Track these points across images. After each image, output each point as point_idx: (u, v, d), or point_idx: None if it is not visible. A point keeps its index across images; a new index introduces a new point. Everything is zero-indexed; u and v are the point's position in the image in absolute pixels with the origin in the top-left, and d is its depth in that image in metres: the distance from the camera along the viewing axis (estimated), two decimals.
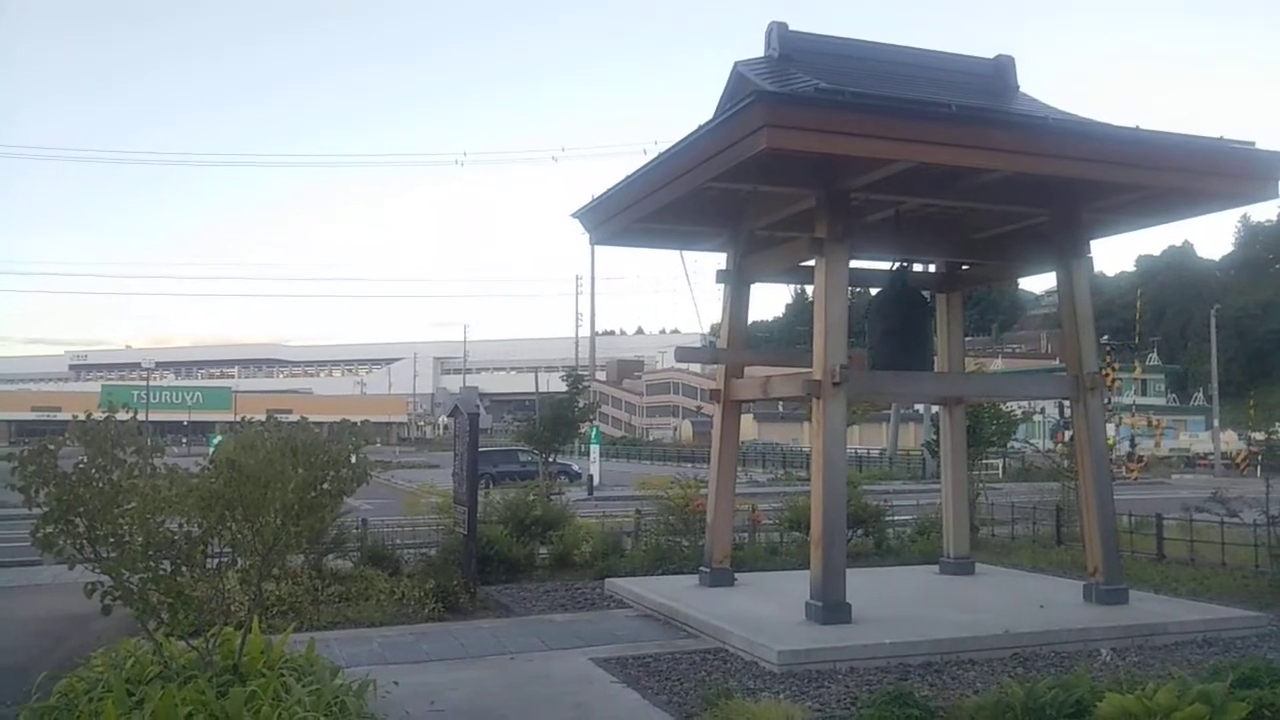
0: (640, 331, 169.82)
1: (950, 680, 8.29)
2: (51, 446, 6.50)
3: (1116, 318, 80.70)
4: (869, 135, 9.26)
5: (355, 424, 7.64)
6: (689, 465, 50.19)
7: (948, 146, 9.51)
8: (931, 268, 14.05)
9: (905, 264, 12.97)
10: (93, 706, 5.95)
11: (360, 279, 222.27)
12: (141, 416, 6.34)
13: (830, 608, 9.80)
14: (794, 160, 10.09)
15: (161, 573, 6.45)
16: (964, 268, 13.89)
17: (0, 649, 9.84)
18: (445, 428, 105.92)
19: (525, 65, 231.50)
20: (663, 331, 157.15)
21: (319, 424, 8.16)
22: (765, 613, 10.33)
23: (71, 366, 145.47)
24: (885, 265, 13.06)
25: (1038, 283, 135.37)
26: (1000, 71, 12.53)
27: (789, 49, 11.20)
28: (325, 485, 6.83)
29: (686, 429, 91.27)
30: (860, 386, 11.09)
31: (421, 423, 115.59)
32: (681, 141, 10.31)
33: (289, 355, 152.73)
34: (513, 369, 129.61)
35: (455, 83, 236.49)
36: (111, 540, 6.40)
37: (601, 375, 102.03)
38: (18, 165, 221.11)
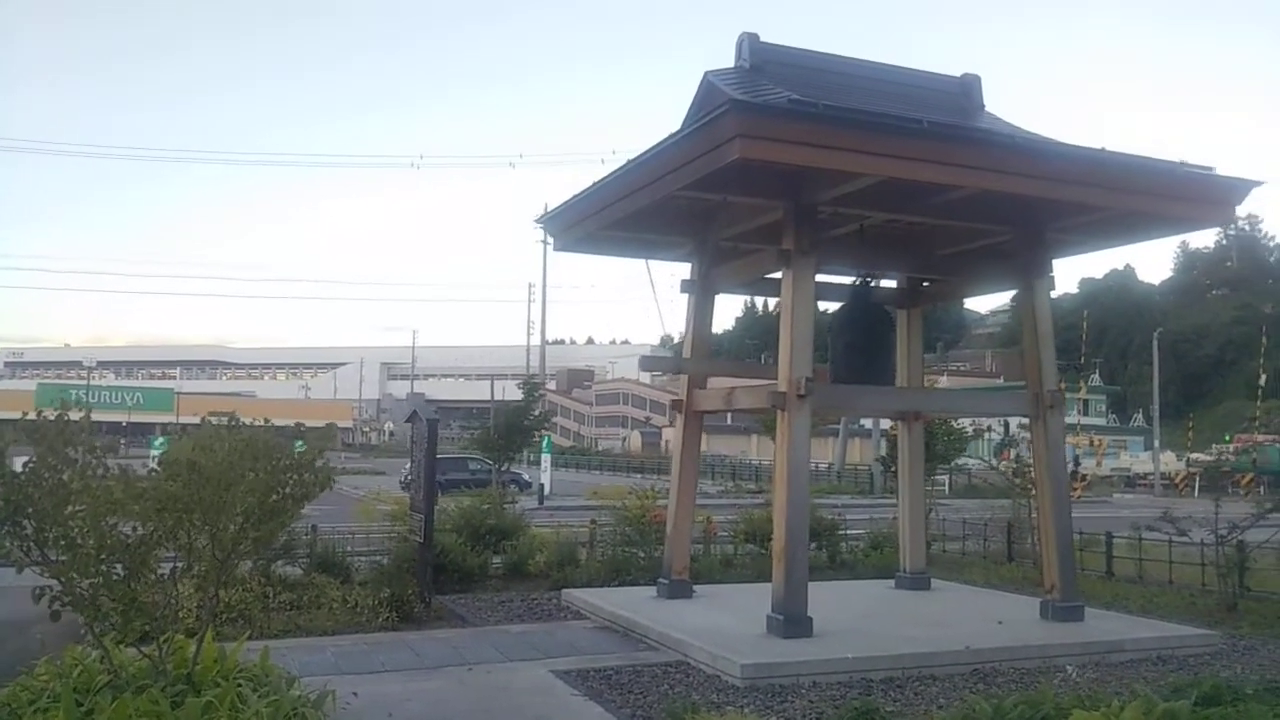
0: (591, 341, 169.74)
1: (913, 696, 8.27)
2: None
3: (1060, 338, 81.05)
4: (841, 148, 9.27)
5: (320, 428, 7.44)
6: (638, 476, 50.15)
7: (918, 162, 9.53)
8: (894, 283, 14.11)
9: (869, 279, 13.01)
10: (39, 717, 5.69)
11: (308, 280, 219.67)
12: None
13: (792, 621, 9.74)
14: (764, 171, 10.03)
15: (115, 577, 6.22)
16: (925, 284, 13.96)
17: None
18: (391, 434, 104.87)
19: (483, 70, 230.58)
20: (613, 342, 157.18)
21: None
22: (726, 625, 10.25)
23: (7, 364, 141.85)
24: (847, 280, 13.09)
25: (983, 302, 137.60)
26: (966, 89, 12.62)
27: (759, 60, 11.19)
28: (288, 489, 6.64)
29: (636, 439, 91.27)
30: (823, 399, 11.08)
31: (367, 429, 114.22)
32: (651, 149, 10.23)
33: (232, 357, 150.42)
34: (461, 376, 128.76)
35: (412, 85, 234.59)
36: (63, 543, 6.16)
37: (551, 384, 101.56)
38: None
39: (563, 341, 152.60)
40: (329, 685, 6.78)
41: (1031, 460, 20.75)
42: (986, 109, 12.55)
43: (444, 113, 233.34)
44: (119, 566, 6.28)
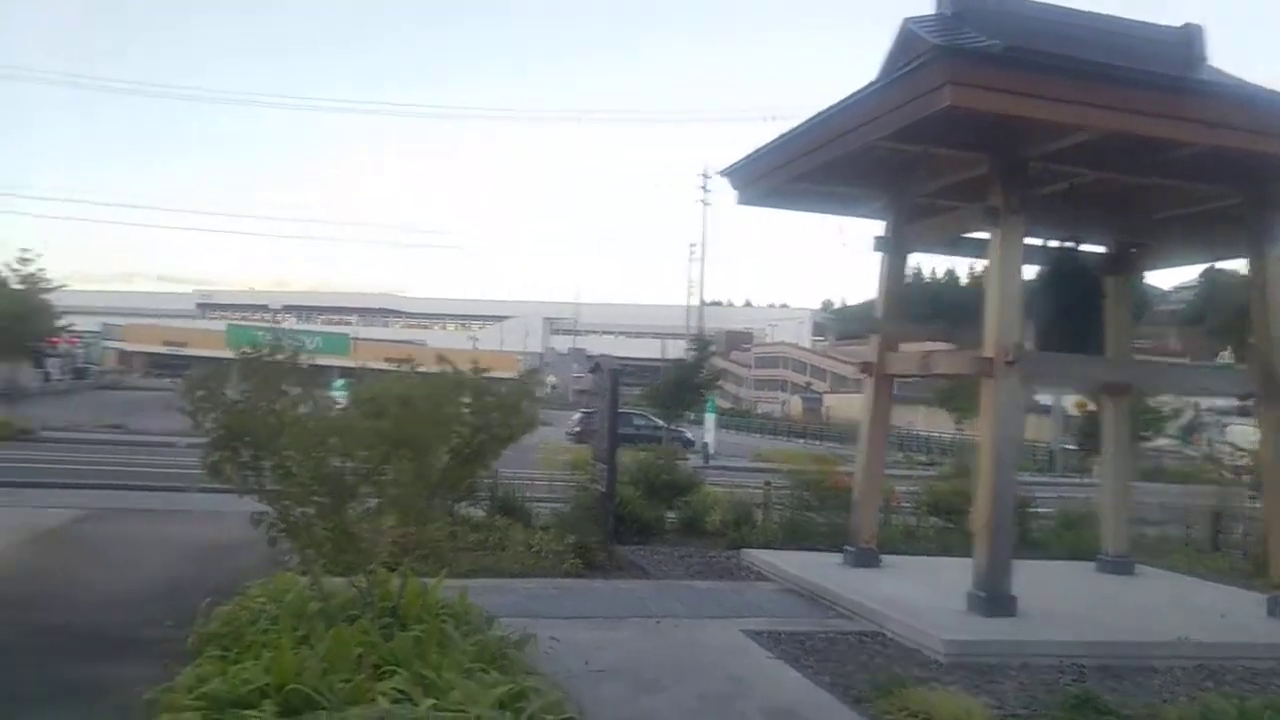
0: (749, 304, 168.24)
1: (1133, 687, 7.68)
2: (219, 374, 6.43)
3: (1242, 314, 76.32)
4: (1060, 100, 8.76)
5: (526, 374, 7.43)
6: (800, 441, 49.63)
7: (1146, 116, 8.97)
8: (1100, 247, 13.21)
9: (1075, 241, 12.22)
10: (261, 638, 5.85)
11: (472, 235, 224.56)
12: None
13: (995, 599, 9.27)
14: (972, 122, 9.47)
15: (327, 508, 6.34)
16: (1134, 250, 13.02)
17: (155, 572, 10.04)
18: (553, 386, 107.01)
19: (652, 24, 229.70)
20: (771, 305, 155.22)
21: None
22: (920, 598, 9.83)
23: (199, 305, 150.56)
24: (1037, 242, 12.29)
25: (1164, 277, 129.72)
26: (1187, 40, 11.56)
27: (961, 7, 10.49)
28: (494, 430, 6.62)
29: (796, 404, 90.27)
30: (1032, 368, 10.43)
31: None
32: (850, 98, 9.84)
33: (404, 306, 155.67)
34: (621, 333, 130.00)
35: (577, 37, 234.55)
36: (279, 472, 6.31)
37: (711, 346, 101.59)
38: (157, 104, 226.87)
39: (720, 303, 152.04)
40: (519, 627, 6.75)
41: (1227, 444, 19.42)
42: (1208, 62, 11.53)
43: (603, 68, 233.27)
44: (329, 498, 6.39)
